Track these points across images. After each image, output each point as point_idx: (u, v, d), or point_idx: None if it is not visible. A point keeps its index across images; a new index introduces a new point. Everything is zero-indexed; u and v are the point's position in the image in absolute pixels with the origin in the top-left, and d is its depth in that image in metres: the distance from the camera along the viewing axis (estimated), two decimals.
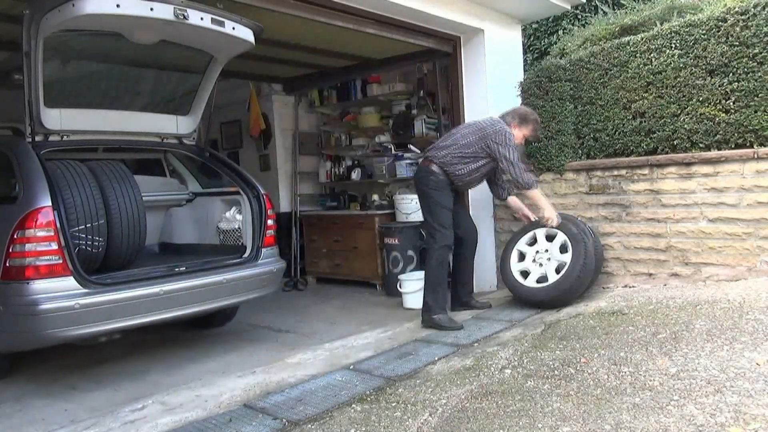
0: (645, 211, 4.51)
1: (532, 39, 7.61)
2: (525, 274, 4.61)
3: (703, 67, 4.17)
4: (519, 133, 4.43)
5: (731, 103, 4.07)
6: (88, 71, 4.04)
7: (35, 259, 3.15)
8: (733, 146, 4.11)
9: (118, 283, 3.44)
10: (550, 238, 4.57)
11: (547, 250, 4.55)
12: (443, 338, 3.97)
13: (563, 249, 4.43)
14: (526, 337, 3.71)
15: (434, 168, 4.36)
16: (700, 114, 4.20)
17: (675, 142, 4.34)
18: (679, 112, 4.31)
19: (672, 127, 4.34)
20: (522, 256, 4.68)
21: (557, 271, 4.39)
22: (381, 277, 5.95)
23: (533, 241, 4.68)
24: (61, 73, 3.81)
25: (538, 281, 4.50)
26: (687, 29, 4.24)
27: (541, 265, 4.54)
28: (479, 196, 5.48)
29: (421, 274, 5.25)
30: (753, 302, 3.56)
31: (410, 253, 5.63)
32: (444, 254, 4.37)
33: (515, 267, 4.64)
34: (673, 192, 4.35)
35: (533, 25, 7.46)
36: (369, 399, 2.95)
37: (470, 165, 4.36)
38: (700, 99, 4.19)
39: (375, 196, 6.58)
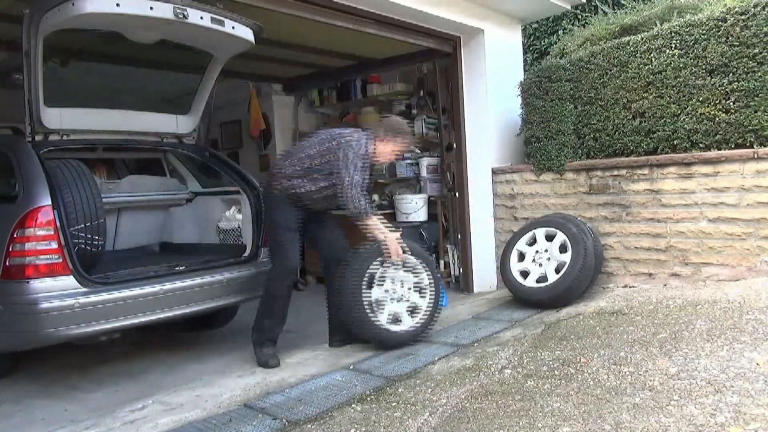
0: (645, 211, 4.51)
1: (532, 39, 7.61)
2: (525, 274, 4.61)
3: (703, 67, 4.16)
4: (387, 148, 3.79)
5: (731, 103, 4.06)
6: (88, 70, 4.04)
7: (35, 258, 3.15)
8: (733, 146, 4.11)
9: (118, 282, 3.44)
10: (549, 238, 4.57)
11: (546, 250, 4.55)
12: (443, 338, 3.97)
13: (563, 249, 4.44)
14: (526, 337, 3.71)
15: (275, 184, 3.76)
16: (700, 114, 4.20)
17: (675, 142, 4.34)
18: (679, 112, 4.30)
19: (672, 127, 4.33)
20: (522, 256, 4.69)
21: (557, 270, 4.39)
22: None
23: (533, 241, 4.68)
24: (61, 73, 3.81)
25: (537, 281, 4.50)
26: (687, 29, 4.24)
27: (540, 265, 4.55)
28: (479, 196, 5.48)
29: None
30: (753, 302, 3.56)
31: None
32: (276, 285, 3.75)
33: (515, 267, 4.65)
34: (673, 192, 4.35)
35: (533, 25, 7.46)
36: (369, 399, 2.95)
37: (319, 182, 3.69)
38: (700, 99, 4.19)
39: (375, 196, 6.58)
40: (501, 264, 4.78)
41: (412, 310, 3.94)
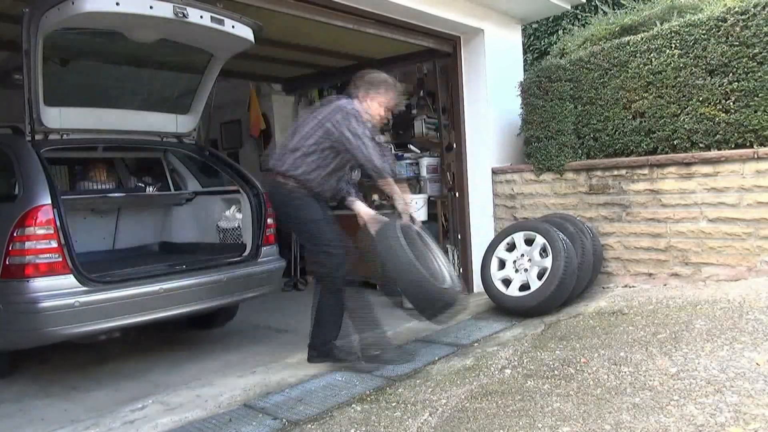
0: (645, 211, 4.51)
1: (532, 39, 7.61)
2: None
3: (703, 67, 4.16)
4: (373, 104, 3.52)
5: (731, 103, 4.06)
6: (88, 70, 4.03)
7: (35, 257, 3.15)
8: (733, 146, 4.11)
9: (118, 281, 3.44)
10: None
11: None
12: (443, 338, 3.97)
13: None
14: (526, 337, 3.71)
15: (281, 179, 3.45)
16: (700, 114, 4.20)
17: (675, 142, 4.34)
18: (679, 112, 4.30)
19: (672, 127, 4.33)
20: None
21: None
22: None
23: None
24: (61, 72, 3.81)
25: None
26: (687, 29, 4.24)
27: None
28: (479, 196, 5.48)
29: None
30: (753, 302, 3.56)
31: None
32: (335, 279, 3.45)
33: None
34: (673, 192, 4.35)
35: (533, 25, 7.46)
36: (369, 399, 2.95)
37: (320, 165, 3.41)
38: (700, 99, 4.19)
39: (375, 196, 6.57)
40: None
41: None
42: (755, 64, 3.95)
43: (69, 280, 3.20)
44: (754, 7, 3.95)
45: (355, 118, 3.35)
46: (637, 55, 4.48)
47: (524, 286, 4.29)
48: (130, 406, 3.13)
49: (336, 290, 3.48)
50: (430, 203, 5.87)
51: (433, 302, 3.41)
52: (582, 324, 3.78)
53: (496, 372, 3.14)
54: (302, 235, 3.65)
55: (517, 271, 4.40)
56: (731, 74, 4.05)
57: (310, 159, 3.40)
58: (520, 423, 2.46)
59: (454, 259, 5.67)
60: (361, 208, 3.65)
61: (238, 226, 4.45)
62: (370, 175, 3.50)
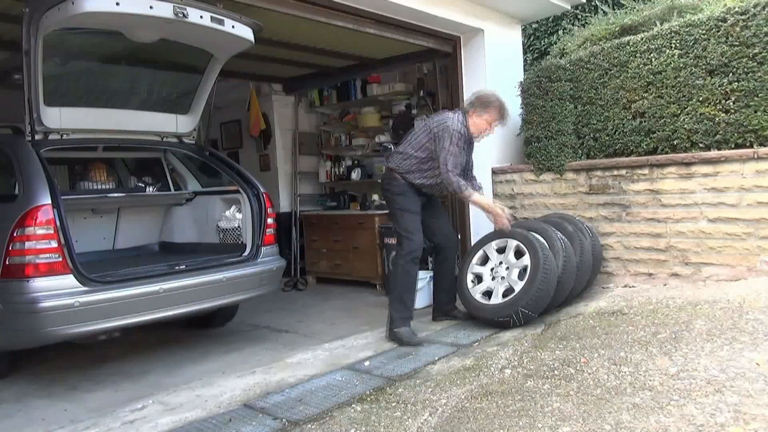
0: (645, 211, 4.51)
1: (532, 39, 7.60)
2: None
3: (703, 67, 4.16)
4: (481, 121, 4.06)
5: (731, 103, 4.06)
6: (88, 70, 4.03)
7: (35, 257, 3.15)
8: (733, 146, 4.11)
9: (118, 281, 3.44)
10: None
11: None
12: (443, 338, 3.97)
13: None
14: (526, 337, 3.71)
15: (395, 173, 4.13)
16: (700, 114, 4.20)
17: (675, 142, 4.34)
18: (679, 112, 4.30)
19: (672, 127, 4.33)
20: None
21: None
22: (381, 277, 5.94)
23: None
24: (61, 72, 3.81)
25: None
26: (687, 29, 4.24)
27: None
28: None
29: (422, 274, 5.26)
30: (753, 302, 3.56)
31: None
32: (410, 262, 4.05)
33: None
34: (673, 192, 4.35)
35: (533, 25, 7.46)
36: (369, 399, 2.95)
37: (428, 170, 4.07)
38: (700, 99, 4.19)
39: (375, 196, 6.57)
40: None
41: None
42: (755, 64, 3.95)
43: (69, 280, 3.21)
44: (754, 7, 3.94)
45: (451, 136, 3.94)
46: (637, 55, 4.48)
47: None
48: (129, 407, 3.13)
49: (402, 272, 4.07)
50: None
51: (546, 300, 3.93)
52: (582, 324, 3.77)
53: (496, 372, 3.14)
54: (395, 219, 4.20)
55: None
56: (731, 74, 4.05)
57: (411, 160, 4.08)
58: (520, 423, 2.46)
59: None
60: (481, 200, 4.17)
61: (238, 226, 4.46)
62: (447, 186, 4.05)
